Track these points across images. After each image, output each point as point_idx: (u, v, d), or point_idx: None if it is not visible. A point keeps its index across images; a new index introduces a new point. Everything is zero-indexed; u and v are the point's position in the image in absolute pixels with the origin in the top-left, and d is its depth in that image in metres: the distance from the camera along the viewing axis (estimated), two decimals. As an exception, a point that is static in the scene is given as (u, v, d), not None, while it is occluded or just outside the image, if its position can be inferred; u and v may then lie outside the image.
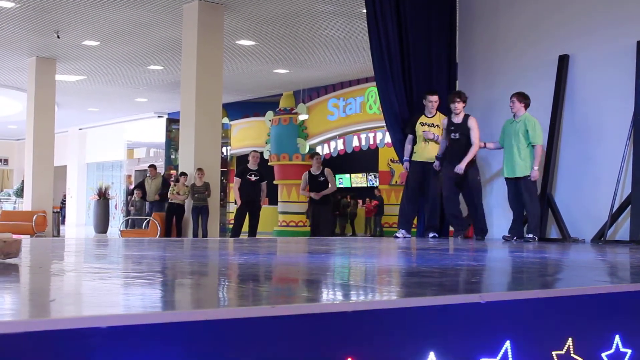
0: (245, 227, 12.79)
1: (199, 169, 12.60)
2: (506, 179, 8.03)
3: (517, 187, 7.90)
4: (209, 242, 7.28)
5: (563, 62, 8.38)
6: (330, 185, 11.83)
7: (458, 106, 8.16)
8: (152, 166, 16.79)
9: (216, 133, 13.10)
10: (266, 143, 21.56)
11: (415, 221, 9.47)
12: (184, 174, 13.62)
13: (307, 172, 12.19)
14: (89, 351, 1.61)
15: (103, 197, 22.56)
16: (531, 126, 7.79)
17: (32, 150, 17.31)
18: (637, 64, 7.72)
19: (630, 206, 7.56)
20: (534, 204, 7.83)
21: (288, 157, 20.64)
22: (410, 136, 8.71)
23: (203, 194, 12.83)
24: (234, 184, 12.15)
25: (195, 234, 12.97)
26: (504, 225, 8.32)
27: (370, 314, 2.08)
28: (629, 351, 2.64)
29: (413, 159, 8.61)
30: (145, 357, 1.68)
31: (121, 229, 16.00)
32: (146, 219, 15.56)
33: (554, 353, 2.41)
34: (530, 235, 7.69)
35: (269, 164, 21.31)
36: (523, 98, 7.93)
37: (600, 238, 7.58)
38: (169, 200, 13.97)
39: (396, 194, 21.40)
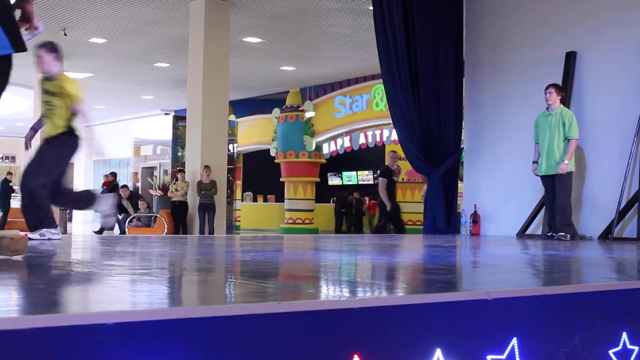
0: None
1: (206, 167, 12.61)
2: (542, 177, 7.78)
3: (554, 184, 7.66)
4: (216, 239, 7.28)
5: (570, 58, 8.36)
6: None
7: None
8: (125, 186, 17.09)
9: (223, 130, 13.11)
10: (273, 140, 21.56)
11: (422, 219, 9.49)
12: (181, 170, 13.68)
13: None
14: (95, 347, 1.62)
15: (110, 194, 22.60)
16: (568, 119, 7.54)
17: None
18: (645, 61, 7.70)
19: (637, 203, 7.54)
20: (567, 200, 7.56)
21: (295, 154, 20.63)
22: None
23: (210, 191, 12.85)
24: (381, 184, 11.66)
25: (201, 231, 12.99)
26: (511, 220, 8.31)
27: (376, 311, 2.07)
28: (637, 348, 2.63)
29: None
30: (151, 354, 1.68)
31: (128, 226, 16.01)
32: (153, 215, 15.58)
33: (561, 350, 2.41)
34: (562, 234, 7.40)
35: (275, 161, 21.31)
36: (560, 90, 7.69)
37: (607, 235, 7.55)
38: (171, 198, 14.06)
39: (403, 191, 21.38)
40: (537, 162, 7.84)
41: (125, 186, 17.22)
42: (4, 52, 3.01)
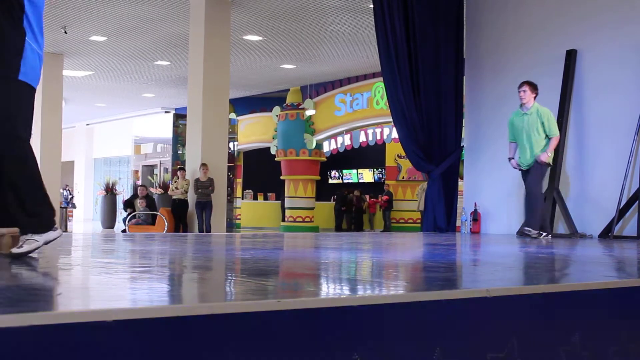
0: None
1: (203, 164, 12.61)
2: (524, 172, 7.58)
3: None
4: (216, 237, 7.28)
5: (570, 56, 8.35)
6: None
7: None
8: (143, 186, 17.29)
9: (223, 128, 13.11)
10: (273, 138, 21.56)
11: (421, 216, 9.47)
12: (182, 168, 13.72)
13: None
14: (95, 345, 1.62)
15: (110, 192, 22.61)
16: (546, 118, 7.32)
17: (40, 145, 17.35)
18: (645, 59, 7.69)
19: (638, 201, 7.54)
20: (537, 191, 7.31)
21: (295, 152, 20.63)
22: None
23: (207, 189, 12.86)
24: None
25: (200, 229, 13.00)
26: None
27: (376, 309, 2.07)
28: (635, 346, 2.63)
29: None
30: (151, 351, 1.68)
31: (128, 224, 16.05)
32: (153, 214, 15.59)
33: (561, 348, 2.41)
34: (528, 229, 7.20)
35: (275, 159, 21.31)
36: (534, 88, 7.46)
37: (607, 233, 7.55)
38: (171, 197, 14.11)
39: (403, 190, 21.37)
40: (514, 158, 7.64)
41: (143, 186, 17.36)
42: (36, 85, 3.30)
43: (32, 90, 3.32)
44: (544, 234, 7.33)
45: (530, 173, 7.41)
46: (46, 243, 3.38)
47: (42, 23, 3.40)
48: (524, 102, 7.46)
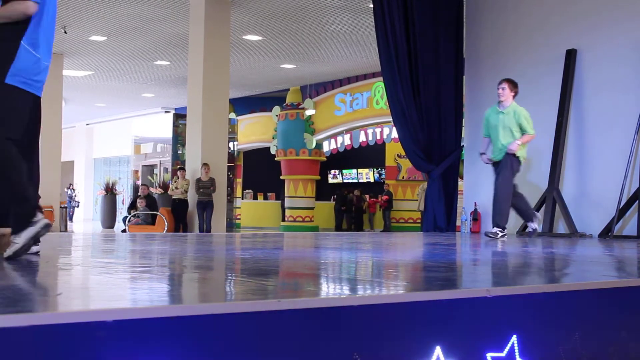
0: None
1: (205, 164, 12.62)
2: (494, 163, 7.35)
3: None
4: (216, 236, 7.28)
5: (570, 56, 8.35)
6: None
7: None
8: (145, 185, 17.31)
9: (223, 128, 13.11)
10: (273, 138, 21.55)
11: (421, 216, 9.47)
12: (182, 168, 13.73)
13: None
14: (95, 344, 1.62)
15: (110, 192, 22.61)
16: (524, 119, 7.08)
17: (40, 145, 17.32)
18: (645, 59, 7.69)
19: (638, 201, 7.54)
20: (504, 191, 7.02)
21: (295, 152, 20.63)
22: None
23: (208, 189, 12.86)
24: None
25: (201, 229, 13.00)
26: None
27: (376, 308, 2.07)
28: (635, 345, 2.63)
29: None
30: (151, 351, 1.68)
31: (128, 224, 16.04)
32: (153, 214, 15.59)
33: (561, 347, 2.41)
34: (493, 231, 6.92)
35: (275, 159, 21.31)
36: (514, 86, 7.20)
37: (607, 233, 7.55)
38: (171, 196, 14.13)
39: (403, 189, 21.37)
40: (485, 153, 7.44)
41: (145, 185, 17.37)
42: (31, 88, 3.44)
43: (25, 93, 3.30)
44: (502, 234, 6.97)
45: (500, 167, 7.15)
46: (31, 239, 3.29)
47: (48, 27, 3.37)
48: (502, 100, 7.23)
